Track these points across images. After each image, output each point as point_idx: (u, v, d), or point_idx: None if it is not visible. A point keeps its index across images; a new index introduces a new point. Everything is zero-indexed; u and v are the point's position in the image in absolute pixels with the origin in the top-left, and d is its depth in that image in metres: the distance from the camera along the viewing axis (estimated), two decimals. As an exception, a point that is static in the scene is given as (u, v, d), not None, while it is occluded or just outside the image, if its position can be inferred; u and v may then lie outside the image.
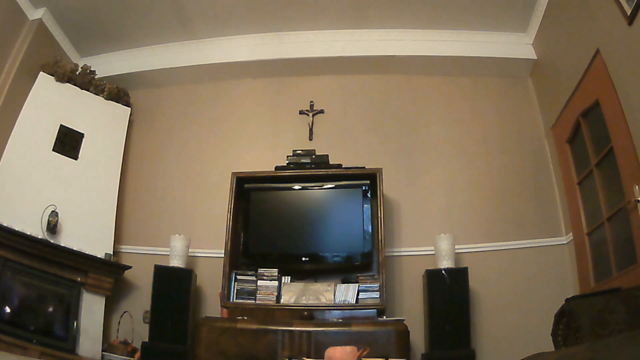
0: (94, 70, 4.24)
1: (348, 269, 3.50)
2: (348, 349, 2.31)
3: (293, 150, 3.86)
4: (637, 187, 2.52)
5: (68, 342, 3.34)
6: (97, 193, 3.90)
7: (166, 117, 4.55)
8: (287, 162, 3.80)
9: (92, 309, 3.54)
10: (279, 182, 3.72)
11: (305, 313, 3.22)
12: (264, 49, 4.35)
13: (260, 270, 3.45)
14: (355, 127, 4.23)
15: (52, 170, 3.70)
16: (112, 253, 3.77)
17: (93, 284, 3.55)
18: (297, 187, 3.71)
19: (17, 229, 3.20)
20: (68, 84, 4.01)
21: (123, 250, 4.03)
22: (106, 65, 4.50)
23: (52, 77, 3.93)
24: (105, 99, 4.22)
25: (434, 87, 4.31)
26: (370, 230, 3.50)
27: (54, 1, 3.97)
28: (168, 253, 3.55)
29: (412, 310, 3.48)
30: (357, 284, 3.34)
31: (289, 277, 3.49)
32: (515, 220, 3.74)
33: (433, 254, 3.44)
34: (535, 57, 4.05)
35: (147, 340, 3.24)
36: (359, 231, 3.50)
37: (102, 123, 4.14)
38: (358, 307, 3.27)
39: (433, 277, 3.25)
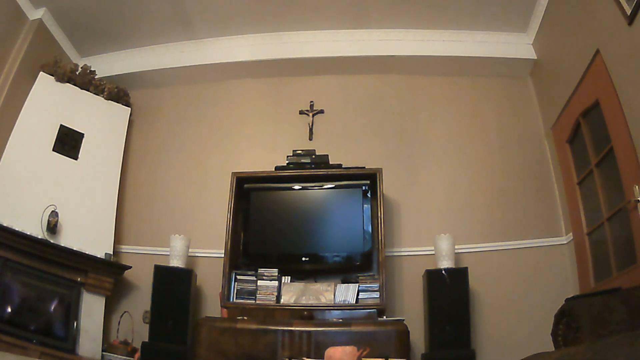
0: (94, 70, 4.24)
1: (348, 269, 3.50)
2: (348, 349, 2.30)
3: (293, 150, 3.86)
4: (637, 187, 2.52)
5: (68, 342, 3.34)
6: (97, 193, 3.90)
7: (166, 117, 4.54)
8: (287, 162, 3.80)
9: (92, 309, 3.54)
10: (279, 182, 3.72)
11: (305, 313, 3.22)
12: (264, 49, 4.35)
13: (260, 270, 3.45)
14: (355, 127, 4.23)
15: (52, 170, 3.69)
16: (112, 253, 3.77)
17: (93, 284, 3.55)
18: (297, 187, 3.71)
19: (17, 229, 3.20)
20: (68, 84, 4.01)
21: (123, 250, 4.03)
22: (106, 65, 4.50)
23: (52, 77, 3.92)
24: (105, 99, 4.22)
25: (434, 87, 4.31)
26: (370, 230, 3.50)
27: (54, 1, 3.97)
28: (168, 253, 3.55)
29: (412, 310, 3.48)
30: (357, 284, 3.34)
31: (289, 277, 3.49)
32: (515, 220, 3.74)
33: (433, 254, 3.44)
34: (535, 57, 4.05)
35: (147, 340, 3.24)
36: (359, 231, 3.50)
37: (102, 123, 4.14)
38: (358, 307, 3.27)
39: (433, 277, 3.25)
